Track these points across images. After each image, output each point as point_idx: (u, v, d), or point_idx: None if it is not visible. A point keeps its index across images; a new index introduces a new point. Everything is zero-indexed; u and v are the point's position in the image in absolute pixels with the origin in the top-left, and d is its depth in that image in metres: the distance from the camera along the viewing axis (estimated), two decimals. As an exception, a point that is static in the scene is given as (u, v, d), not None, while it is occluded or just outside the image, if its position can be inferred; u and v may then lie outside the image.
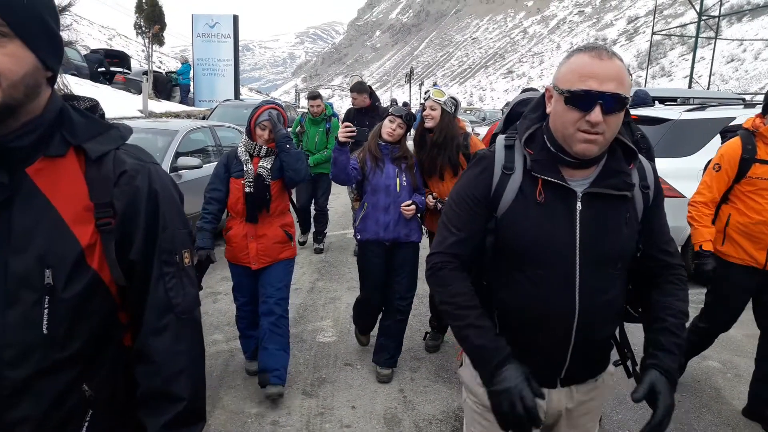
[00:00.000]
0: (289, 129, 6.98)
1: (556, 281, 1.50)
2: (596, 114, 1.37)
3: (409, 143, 3.89)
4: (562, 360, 1.57)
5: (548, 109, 1.53)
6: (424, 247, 3.87)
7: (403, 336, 3.97)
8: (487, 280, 1.62)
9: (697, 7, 23.95)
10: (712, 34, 29.65)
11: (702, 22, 26.78)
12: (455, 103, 3.76)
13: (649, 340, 1.59)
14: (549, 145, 1.51)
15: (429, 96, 3.74)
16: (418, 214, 3.79)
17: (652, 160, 2.75)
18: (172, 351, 1.16)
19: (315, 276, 6.18)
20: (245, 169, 3.45)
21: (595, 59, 1.39)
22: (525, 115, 1.63)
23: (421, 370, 4.03)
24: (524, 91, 3.63)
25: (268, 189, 3.46)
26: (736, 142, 3.24)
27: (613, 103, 1.38)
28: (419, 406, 3.55)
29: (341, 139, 3.40)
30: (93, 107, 1.19)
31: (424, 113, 3.71)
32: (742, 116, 6.16)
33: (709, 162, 3.41)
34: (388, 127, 3.67)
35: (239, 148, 3.54)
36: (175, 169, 6.27)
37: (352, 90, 6.86)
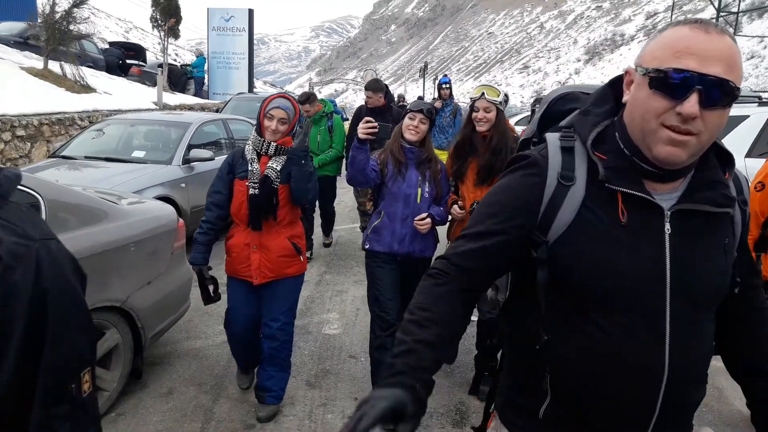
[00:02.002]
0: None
1: (638, 330, 1.12)
2: (691, 104, 1.01)
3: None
4: None
5: (625, 98, 1.17)
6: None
7: None
8: (546, 332, 1.20)
9: (716, 3, 23.62)
10: (731, 30, 29.26)
11: (721, 18, 26.42)
12: (506, 99, 3.40)
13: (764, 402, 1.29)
14: (623, 148, 1.15)
15: (482, 95, 3.30)
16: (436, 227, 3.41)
17: None
18: None
19: (323, 269, 6.24)
20: (250, 168, 3.09)
21: (698, 32, 1.04)
22: (587, 110, 1.25)
23: (425, 363, 4.07)
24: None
25: (276, 193, 3.08)
26: None
27: (717, 92, 1.01)
28: (421, 399, 3.58)
29: (361, 135, 3.01)
30: None
31: (477, 116, 3.32)
32: (755, 114, 6.11)
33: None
34: (410, 125, 3.29)
35: (246, 146, 3.18)
36: (187, 161, 6.36)
37: (367, 88, 6.43)
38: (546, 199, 1.18)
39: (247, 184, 3.09)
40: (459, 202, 3.40)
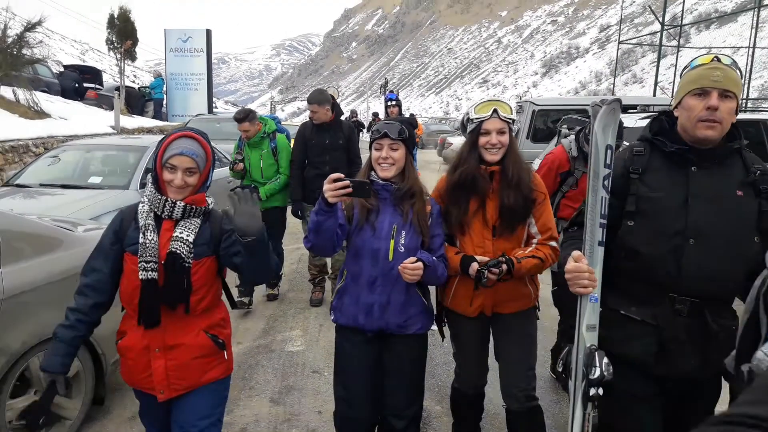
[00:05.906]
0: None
1: None
2: None
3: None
4: None
5: None
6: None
7: None
8: None
9: (661, 18, 24.64)
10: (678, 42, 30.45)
11: (670, 31, 27.49)
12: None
13: None
14: None
15: (494, 112, 2.40)
16: (420, 286, 2.50)
17: None
18: None
19: (286, 287, 6.27)
20: (141, 240, 2.09)
21: None
22: None
23: (387, 375, 4.16)
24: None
25: (188, 274, 2.12)
26: None
27: None
28: (383, 410, 3.66)
29: (330, 198, 2.16)
30: None
31: (489, 141, 2.43)
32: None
33: None
34: (379, 157, 2.43)
35: (141, 205, 2.17)
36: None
37: (310, 101, 5.35)
38: None
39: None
40: (479, 257, 2.43)
